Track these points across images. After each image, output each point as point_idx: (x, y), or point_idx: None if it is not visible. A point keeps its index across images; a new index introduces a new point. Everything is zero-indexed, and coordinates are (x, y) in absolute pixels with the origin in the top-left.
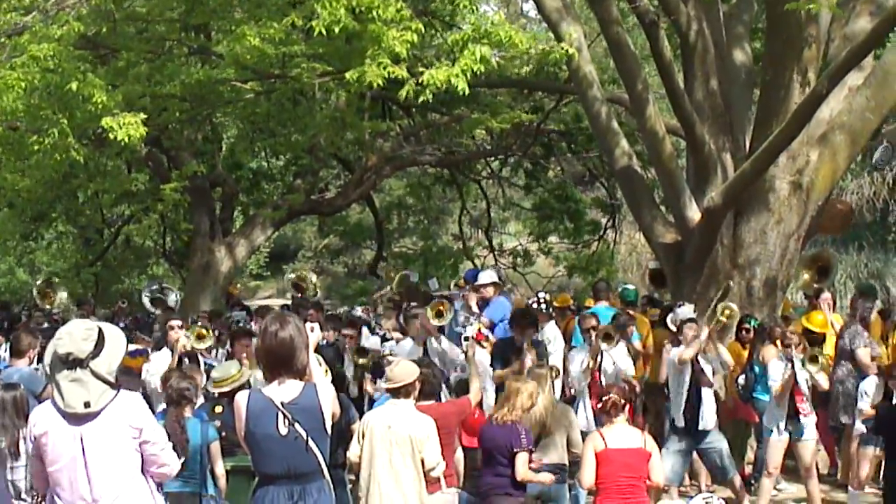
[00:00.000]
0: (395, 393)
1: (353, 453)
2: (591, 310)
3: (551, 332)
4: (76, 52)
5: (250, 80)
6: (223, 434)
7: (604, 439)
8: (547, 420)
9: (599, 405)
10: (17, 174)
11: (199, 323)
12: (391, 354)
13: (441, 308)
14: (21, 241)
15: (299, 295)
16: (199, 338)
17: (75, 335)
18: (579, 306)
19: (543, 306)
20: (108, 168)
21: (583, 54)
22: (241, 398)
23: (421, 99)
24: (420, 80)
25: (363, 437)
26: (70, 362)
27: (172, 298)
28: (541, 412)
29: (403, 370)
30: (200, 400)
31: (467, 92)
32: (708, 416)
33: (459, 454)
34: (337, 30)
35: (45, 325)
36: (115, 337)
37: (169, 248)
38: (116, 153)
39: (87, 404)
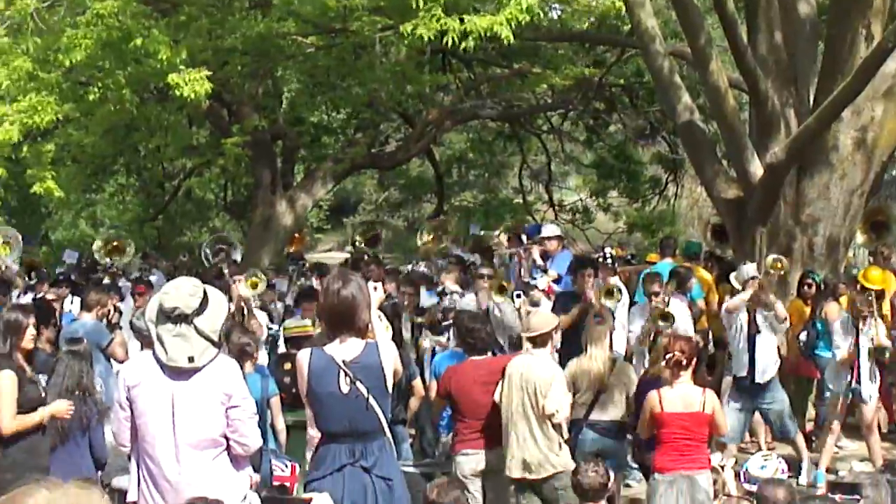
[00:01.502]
0: (533, 341)
1: (496, 396)
2: (654, 268)
3: (615, 286)
4: (138, 8)
5: (311, 34)
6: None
7: (661, 402)
8: (606, 377)
9: (663, 362)
10: (81, 129)
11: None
12: (451, 310)
13: (504, 285)
14: (83, 194)
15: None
16: (253, 286)
17: (182, 290)
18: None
19: (609, 261)
20: (170, 122)
21: (645, 8)
22: (304, 356)
23: (463, 46)
24: (464, 28)
25: (504, 383)
26: (175, 317)
27: (234, 253)
28: (599, 368)
29: (542, 320)
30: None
31: (511, 40)
32: (766, 371)
33: None
34: None
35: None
36: (219, 299)
37: (230, 201)
38: (178, 108)
39: (191, 359)
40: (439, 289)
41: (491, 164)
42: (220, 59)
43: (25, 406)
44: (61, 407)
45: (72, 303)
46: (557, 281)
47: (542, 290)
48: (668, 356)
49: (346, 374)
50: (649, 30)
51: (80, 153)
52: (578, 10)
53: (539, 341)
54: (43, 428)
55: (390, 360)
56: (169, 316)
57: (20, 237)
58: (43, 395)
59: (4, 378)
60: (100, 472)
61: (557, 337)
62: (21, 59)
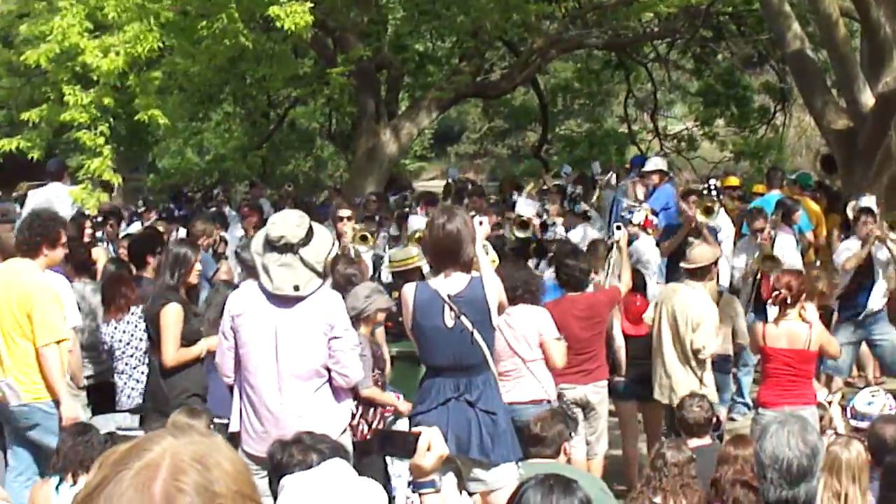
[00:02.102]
0: (692, 273)
1: (647, 318)
2: (760, 200)
3: (722, 220)
4: None
5: None
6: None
7: (765, 338)
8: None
9: (770, 298)
10: (188, 59)
11: (364, 225)
12: (553, 242)
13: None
14: (190, 123)
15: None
16: (363, 239)
17: (289, 221)
18: (745, 193)
19: (714, 193)
20: (275, 52)
21: None
22: (409, 290)
23: None
24: None
25: (656, 311)
26: (281, 246)
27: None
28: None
29: (703, 253)
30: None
31: None
32: (874, 303)
33: (620, 342)
34: None
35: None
36: (324, 232)
37: (334, 130)
38: (283, 38)
39: (296, 287)
40: (545, 219)
41: (596, 93)
42: None
43: (188, 339)
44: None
45: (178, 232)
46: (655, 214)
47: (639, 224)
48: (774, 293)
49: (450, 309)
50: None
51: (186, 82)
52: None
53: (698, 274)
54: (202, 359)
55: (495, 294)
56: (275, 245)
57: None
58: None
59: (171, 310)
60: None
61: (716, 270)
62: None
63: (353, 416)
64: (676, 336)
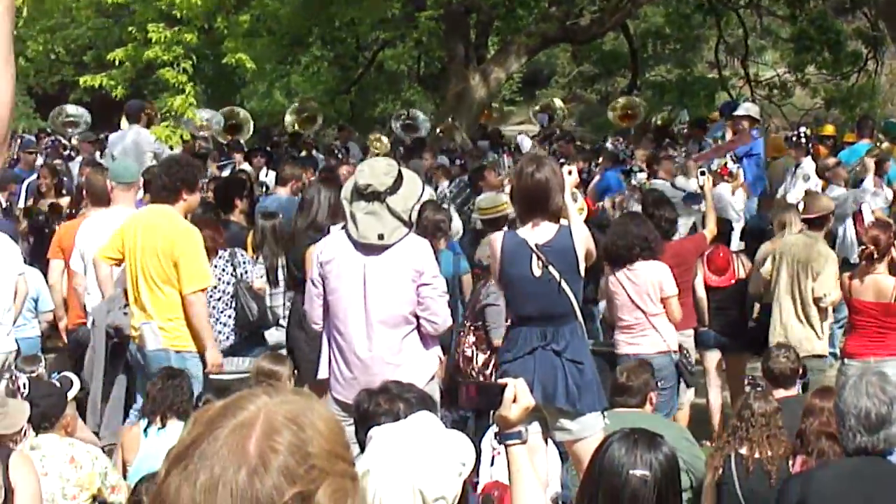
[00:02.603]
0: (810, 223)
1: (765, 271)
2: (850, 149)
3: (809, 167)
4: None
5: None
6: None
7: (851, 290)
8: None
9: (859, 253)
10: (277, 1)
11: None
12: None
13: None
14: (278, 66)
15: (548, 121)
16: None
17: (377, 169)
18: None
19: (803, 140)
20: None
21: None
22: (497, 239)
23: None
24: None
25: (774, 261)
26: (368, 194)
27: (423, 125)
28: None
29: (822, 203)
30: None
31: None
32: None
33: (701, 292)
34: None
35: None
36: (413, 179)
37: (423, 73)
38: None
39: (380, 236)
40: (631, 165)
41: (686, 38)
42: None
43: None
44: None
45: (266, 175)
46: (738, 160)
47: (717, 171)
48: (862, 248)
49: (538, 258)
50: None
51: (275, 25)
52: None
53: (816, 223)
54: None
55: (583, 244)
56: (362, 193)
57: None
58: None
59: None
60: None
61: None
62: None
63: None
64: (796, 286)
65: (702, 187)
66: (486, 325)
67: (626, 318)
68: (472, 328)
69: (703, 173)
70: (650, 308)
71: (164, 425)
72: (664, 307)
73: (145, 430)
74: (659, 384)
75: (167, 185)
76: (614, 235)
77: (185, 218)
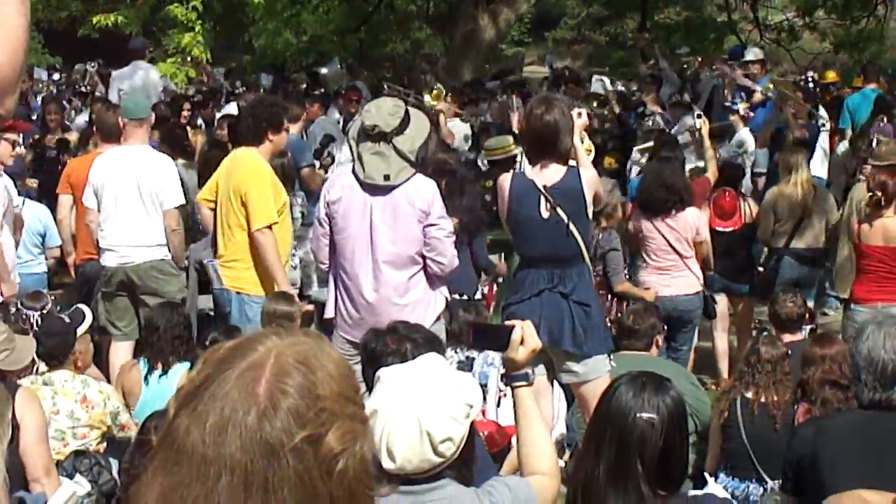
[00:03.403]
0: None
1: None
2: (854, 96)
3: (821, 115)
4: None
5: None
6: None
7: (859, 235)
8: (807, 201)
9: (867, 199)
10: None
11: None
12: (653, 131)
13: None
14: (289, 5)
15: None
16: (436, 98)
17: (383, 109)
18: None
19: (811, 85)
20: None
21: None
22: (505, 180)
23: None
24: None
25: (847, 207)
26: (374, 135)
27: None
28: (800, 195)
29: (893, 150)
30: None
31: None
32: None
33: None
34: None
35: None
36: (420, 119)
37: (432, 13)
38: None
39: (386, 177)
40: (640, 109)
41: None
42: None
43: None
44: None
45: None
46: (758, 106)
47: (742, 116)
48: (869, 193)
49: (546, 200)
50: None
51: None
52: None
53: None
54: None
55: (591, 186)
56: (369, 134)
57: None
58: None
59: None
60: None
61: None
62: None
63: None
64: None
65: (699, 130)
66: (608, 269)
67: (661, 261)
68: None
69: (699, 116)
70: (686, 251)
71: (165, 372)
72: (696, 250)
73: (146, 378)
74: (692, 322)
75: (251, 127)
76: (651, 185)
77: (271, 158)
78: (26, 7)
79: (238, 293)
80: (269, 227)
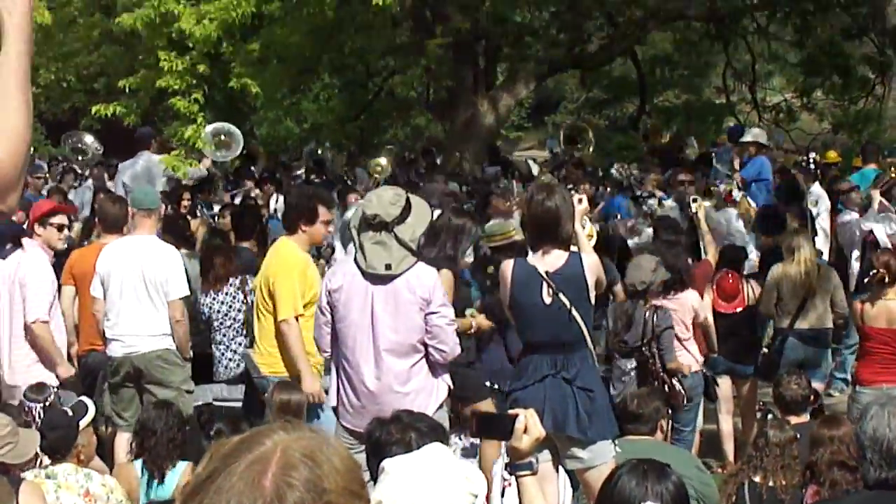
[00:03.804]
0: None
1: None
2: (853, 176)
3: (817, 192)
4: None
5: None
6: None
7: (863, 317)
8: (811, 280)
9: (868, 278)
10: (286, 28)
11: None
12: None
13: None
14: (289, 94)
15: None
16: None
17: (384, 199)
18: (843, 168)
19: (812, 166)
20: (373, 23)
21: None
22: (507, 266)
23: None
24: None
25: None
26: (375, 224)
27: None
28: (804, 274)
29: None
30: None
31: None
32: None
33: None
34: None
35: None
36: (421, 207)
37: (432, 100)
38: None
39: (388, 266)
40: (640, 192)
41: (694, 64)
42: None
43: (457, 306)
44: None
45: (276, 202)
46: (746, 186)
47: (721, 197)
48: (872, 273)
49: (548, 286)
50: None
51: (284, 53)
52: None
53: None
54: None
55: (593, 271)
56: (370, 223)
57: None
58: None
59: (443, 277)
60: None
61: None
62: None
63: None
64: None
65: (695, 214)
66: (661, 347)
67: None
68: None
69: (694, 200)
70: (683, 333)
71: (162, 480)
72: (695, 331)
73: (145, 483)
74: (691, 400)
75: (287, 216)
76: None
77: (308, 249)
78: (29, 106)
79: (276, 377)
80: (296, 318)
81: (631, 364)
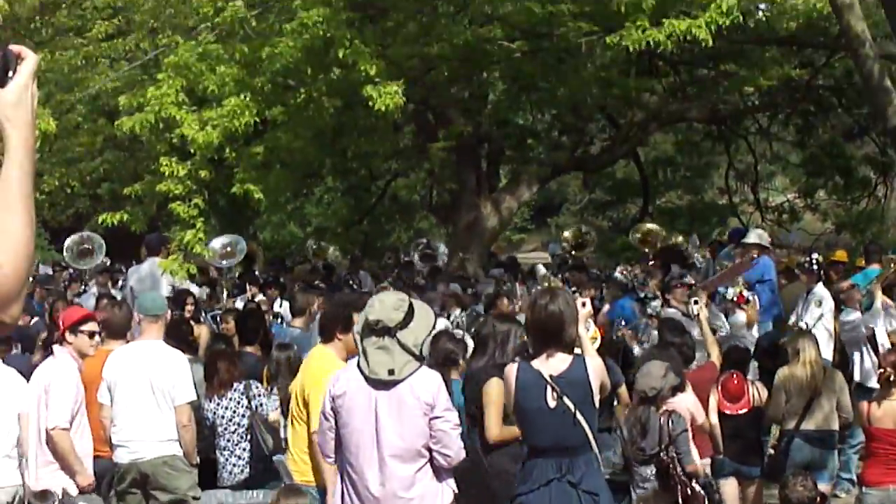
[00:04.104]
0: None
1: None
2: (854, 277)
3: (820, 293)
4: (345, 15)
5: (517, 39)
6: None
7: (869, 417)
8: (817, 382)
9: (876, 377)
10: (290, 134)
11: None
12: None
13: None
14: (292, 198)
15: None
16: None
17: (387, 304)
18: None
19: (815, 267)
20: (376, 127)
21: (854, 11)
22: (511, 371)
23: (661, 49)
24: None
25: None
26: (379, 330)
27: (441, 256)
28: (810, 376)
29: None
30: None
31: (710, 43)
32: None
33: (714, 419)
34: None
35: (318, 282)
36: (424, 311)
37: (435, 203)
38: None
39: (391, 372)
40: (642, 293)
41: (696, 165)
42: (426, 66)
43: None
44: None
45: (280, 306)
46: (750, 288)
47: (733, 300)
48: (879, 371)
49: (553, 389)
50: (859, 34)
51: (288, 157)
52: (785, 9)
53: None
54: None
55: (597, 375)
56: (373, 329)
57: (243, 242)
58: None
59: (493, 385)
60: None
61: None
62: (227, 65)
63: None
64: None
65: (697, 315)
66: (679, 452)
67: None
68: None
69: (695, 302)
70: None
71: None
72: (693, 433)
73: None
74: None
75: (322, 325)
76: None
77: (345, 358)
78: (32, 216)
79: (306, 489)
80: None
81: (651, 470)
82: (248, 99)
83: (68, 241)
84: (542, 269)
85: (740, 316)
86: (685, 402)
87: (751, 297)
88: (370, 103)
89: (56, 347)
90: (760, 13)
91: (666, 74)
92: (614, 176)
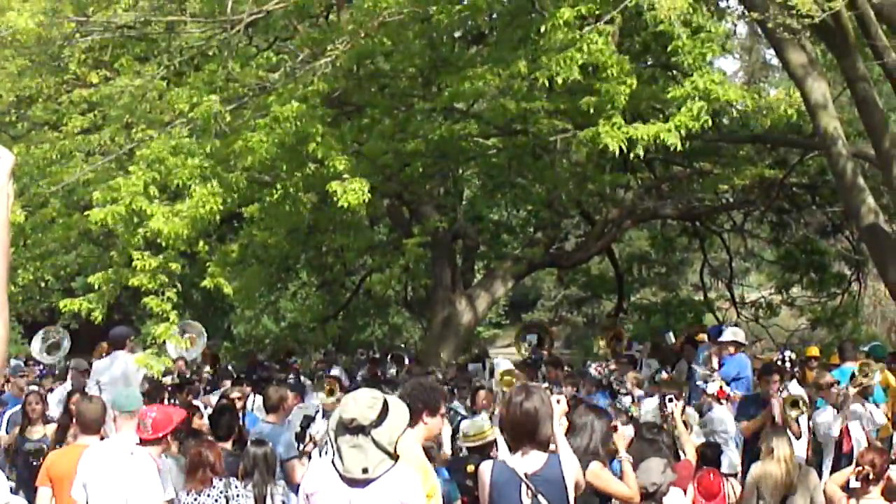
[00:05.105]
0: None
1: None
2: (834, 373)
3: (795, 391)
4: (318, 111)
5: (492, 135)
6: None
7: None
8: (792, 479)
9: (853, 473)
10: (265, 230)
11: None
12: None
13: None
14: (267, 293)
15: (537, 347)
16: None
17: (360, 402)
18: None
19: (788, 364)
20: (352, 222)
21: (827, 110)
22: (486, 468)
23: (633, 154)
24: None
25: None
26: (353, 428)
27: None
28: (784, 473)
29: None
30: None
31: (679, 147)
32: None
33: None
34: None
35: (290, 378)
36: (399, 409)
37: (410, 298)
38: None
39: (364, 470)
40: (621, 389)
41: (671, 261)
42: (401, 161)
43: None
44: None
45: (254, 401)
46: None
47: (713, 395)
48: (857, 469)
49: (528, 488)
50: (832, 132)
51: (263, 253)
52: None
53: None
54: None
55: (572, 473)
56: (347, 427)
57: (204, 332)
58: None
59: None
60: None
61: None
62: (200, 158)
63: None
64: None
65: (671, 414)
66: None
67: None
68: None
69: (670, 401)
70: None
71: None
72: None
73: None
74: None
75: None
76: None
77: (428, 439)
78: (5, 315)
79: None
80: None
81: None
82: (214, 186)
83: (35, 342)
84: (502, 364)
85: (721, 411)
86: (679, 500)
87: (731, 393)
88: (334, 199)
89: None
90: (734, 111)
91: (640, 170)
92: (589, 272)
